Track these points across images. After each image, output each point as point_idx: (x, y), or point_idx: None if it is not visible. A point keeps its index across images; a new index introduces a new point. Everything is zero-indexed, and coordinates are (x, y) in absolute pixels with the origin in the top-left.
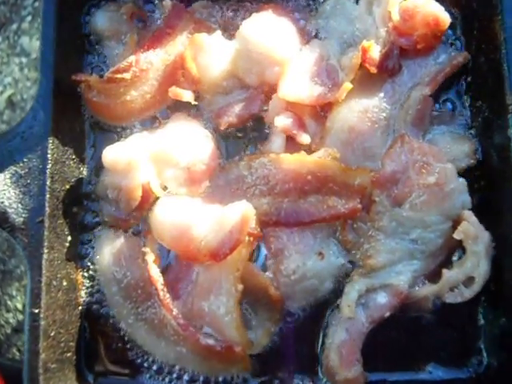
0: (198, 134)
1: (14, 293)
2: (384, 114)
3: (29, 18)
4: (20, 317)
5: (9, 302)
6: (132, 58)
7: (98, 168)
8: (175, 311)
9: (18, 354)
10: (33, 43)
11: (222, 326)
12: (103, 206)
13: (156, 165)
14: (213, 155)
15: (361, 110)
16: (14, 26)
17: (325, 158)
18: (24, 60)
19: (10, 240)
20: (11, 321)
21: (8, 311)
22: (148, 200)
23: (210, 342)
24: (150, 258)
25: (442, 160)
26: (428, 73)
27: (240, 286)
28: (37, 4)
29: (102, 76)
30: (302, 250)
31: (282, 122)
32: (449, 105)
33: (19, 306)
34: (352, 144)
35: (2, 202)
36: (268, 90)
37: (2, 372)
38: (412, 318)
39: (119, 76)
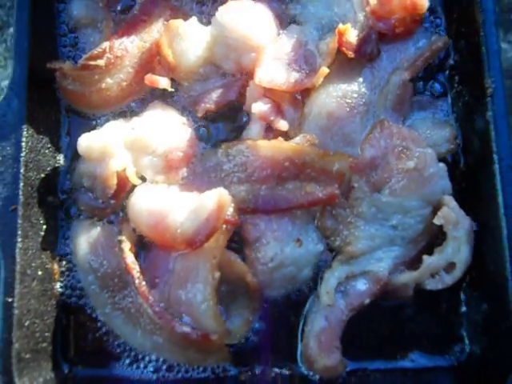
0: (175, 121)
1: None
2: (363, 100)
3: None
4: None
5: None
6: (106, 45)
7: (75, 157)
8: (151, 299)
9: None
10: None
11: (199, 314)
12: (79, 195)
13: (132, 152)
14: (190, 142)
15: (339, 96)
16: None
17: (303, 144)
18: None
19: None
20: None
21: None
22: (124, 188)
23: (186, 329)
24: (126, 246)
25: (421, 145)
26: (407, 57)
27: (217, 274)
28: None
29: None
30: (280, 237)
31: (260, 108)
32: (429, 90)
33: None
34: (331, 130)
35: None
36: (246, 77)
37: None
38: (393, 306)
39: (93, 63)
